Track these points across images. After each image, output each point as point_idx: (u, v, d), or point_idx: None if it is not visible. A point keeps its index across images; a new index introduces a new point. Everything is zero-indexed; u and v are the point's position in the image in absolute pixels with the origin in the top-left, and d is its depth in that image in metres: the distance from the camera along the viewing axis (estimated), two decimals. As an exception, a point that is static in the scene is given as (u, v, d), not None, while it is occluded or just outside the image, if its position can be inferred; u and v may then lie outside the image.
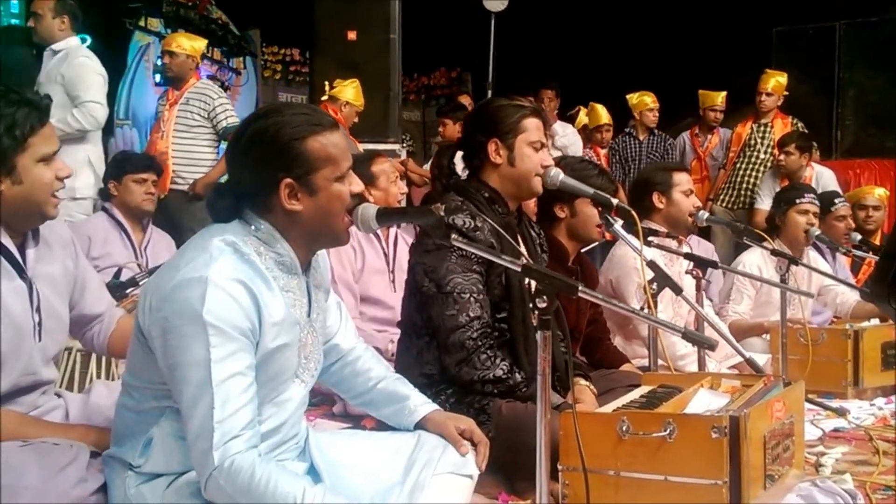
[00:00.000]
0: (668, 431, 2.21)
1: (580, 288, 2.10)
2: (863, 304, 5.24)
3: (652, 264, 3.07)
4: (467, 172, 3.15)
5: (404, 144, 9.40)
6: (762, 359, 4.51)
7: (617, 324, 4.19)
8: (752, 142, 7.67)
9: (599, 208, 3.16)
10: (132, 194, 4.77)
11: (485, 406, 2.86)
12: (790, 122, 7.72)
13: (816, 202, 5.15)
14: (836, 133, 8.82)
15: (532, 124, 3.07)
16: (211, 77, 9.21)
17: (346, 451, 2.41)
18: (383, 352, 3.91)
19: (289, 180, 2.15)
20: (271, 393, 2.21)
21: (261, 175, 2.18)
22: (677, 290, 3.05)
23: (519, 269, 2.18)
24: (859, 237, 5.92)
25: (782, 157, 7.07)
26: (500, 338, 2.96)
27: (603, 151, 8.26)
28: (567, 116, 8.71)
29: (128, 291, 3.56)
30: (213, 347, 2.01)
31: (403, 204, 4.32)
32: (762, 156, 7.59)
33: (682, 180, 4.35)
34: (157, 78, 9.49)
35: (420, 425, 2.45)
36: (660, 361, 3.53)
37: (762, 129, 7.67)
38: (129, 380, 2.29)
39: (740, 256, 5.28)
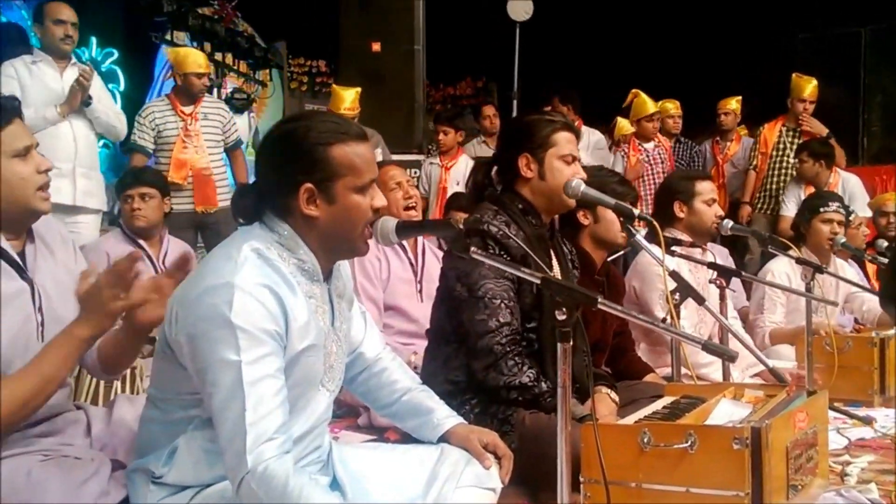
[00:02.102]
0: (689, 443, 2.21)
1: (600, 300, 2.12)
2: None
3: (675, 274, 3.07)
4: (501, 187, 3.19)
5: (430, 155, 9.44)
6: (789, 367, 4.51)
7: (642, 332, 4.19)
8: (782, 146, 7.64)
9: (621, 218, 3.16)
10: (122, 214, 4.79)
11: (509, 417, 2.88)
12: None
13: (842, 211, 5.13)
14: (863, 139, 8.80)
15: (563, 138, 3.10)
16: (237, 90, 9.26)
17: (369, 464, 2.43)
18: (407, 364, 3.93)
19: (308, 185, 2.16)
20: (297, 401, 2.22)
21: (282, 177, 2.21)
22: (700, 300, 3.05)
23: (538, 282, 2.20)
24: (885, 244, 5.90)
25: (798, 164, 7.06)
26: (528, 347, 2.98)
27: (650, 145, 7.95)
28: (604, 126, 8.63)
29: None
30: (244, 350, 2.02)
31: (414, 211, 4.25)
32: (792, 160, 7.57)
33: (704, 189, 4.34)
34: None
35: (444, 438, 2.45)
36: (684, 370, 3.54)
37: (791, 133, 7.64)
38: (156, 393, 2.31)
39: (768, 264, 5.27)
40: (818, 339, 4.34)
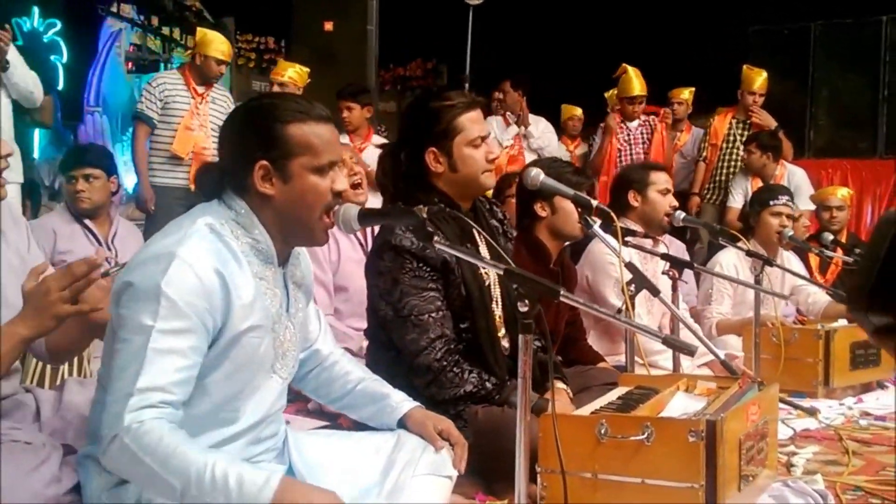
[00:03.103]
0: (646, 435, 2.23)
1: (562, 292, 2.12)
2: (833, 304, 5.30)
3: (630, 266, 3.09)
4: (413, 182, 3.01)
5: (381, 136, 9.37)
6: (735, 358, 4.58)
7: (593, 320, 4.21)
8: (732, 138, 7.71)
9: (579, 209, 3.16)
10: (66, 193, 4.70)
11: (461, 412, 2.84)
12: None
13: (791, 204, 5.20)
14: (810, 132, 8.92)
15: (468, 120, 2.92)
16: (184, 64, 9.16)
17: (325, 452, 2.41)
18: (357, 351, 3.89)
19: (264, 162, 2.15)
20: (247, 386, 2.20)
21: (239, 153, 2.21)
22: (654, 292, 3.07)
23: (502, 273, 2.19)
24: (831, 237, 5.99)
25: (746, 155, 7.15)
26: (467, 347, 2.92)
27: (634, 124, 7.72)
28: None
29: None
30: (161, 318, 2.00)
31: (360, 189, 4.18)
32: (741, 152, 7.65)
33: (659, 179, 4.38)
34: (130, 66, 9.44)
35: (402, 422, 2.45)
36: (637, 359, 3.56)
37: (740, 125, 7.72)
38: (104, 373, 2.26)
39: (717, 256, 5.33)
40: (765, 331, 4.42)
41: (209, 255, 2.08)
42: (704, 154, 7.86)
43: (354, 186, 4.16)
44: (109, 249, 4.76)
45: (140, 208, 6.17)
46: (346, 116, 6.61)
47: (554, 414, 2.25)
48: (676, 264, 3.63)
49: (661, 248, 4.05)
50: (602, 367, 3.65)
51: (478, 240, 3.04)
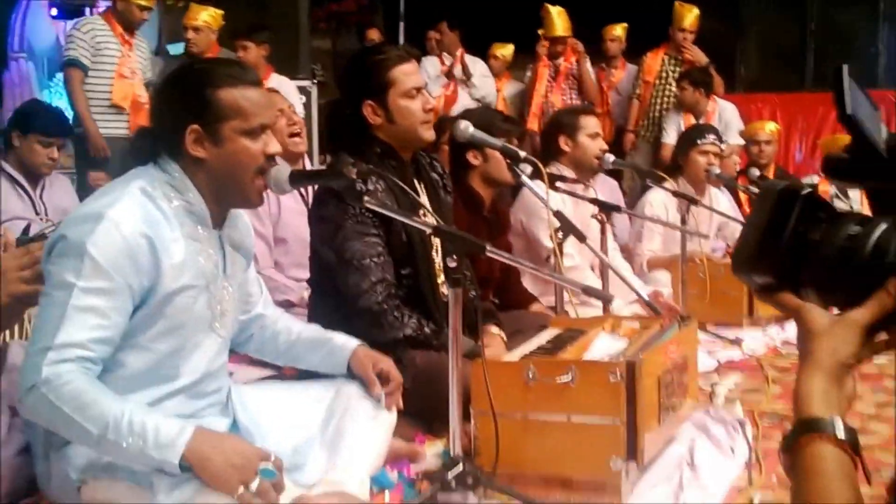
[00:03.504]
0: (570, 377, 2.38)
1: (488, 248, 2.26)
2: None
3: (558, 214, 3.22)
4: (356, 132, 3.11)
5: (316, 76, 9.32)
6: (664, 292, 4.77)
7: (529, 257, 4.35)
8: (664, 74, 7.82)
9: (507, 160, 3.27)
10: (35, 155, 4.61)
11: (400, 358, 2.95)
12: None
13: (718, 143, 5.34)
14: (740, 67, 9.07)
15: (401, 73, 3.01)
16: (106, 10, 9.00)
17: (268, 404, 2.51)
18: (297, 302, 3.99)
19: (195, 126, 2.22)
20: (186, 344, 2.29)
21: (171, 117, 2.28)
22: (582, 238, 3.21)
23: (430, 231, 2.32)
24: (758, 173, 6.19)
25: (679, 92, 7.29)
26: (407, 293, 3.02)
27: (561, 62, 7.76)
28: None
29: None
30: (83, 277, 2.07)
31: (299, 138, 4.23)
32: (674, 89, 7.78)
33: (588, 123, 4.49)
34: (54, 11, 9.23)
35: (349, 362, 2.56)
36: (567, 297, 3.69)
37: (673, 61, 7.84)
38: None
39: (646, 195, 5.47)
40: (692, 267, 4.59)
41: (138, 217, 2.15)
42: (638, 91, 7.97)
43: (293, 136, 4.22)
44: (39, 204, 4.76)
45: (91, 160, 6.06)
46: (241, 55, 6.46)
47: (484, 361, 2.41)
48: (605, 208, 3.76)
49: (591, 192, 4.18)
50: (535, 311, 3.79)
51: (418, 188, 3.14)
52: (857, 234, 1.13)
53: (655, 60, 7.90)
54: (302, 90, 7.61)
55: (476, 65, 7.79)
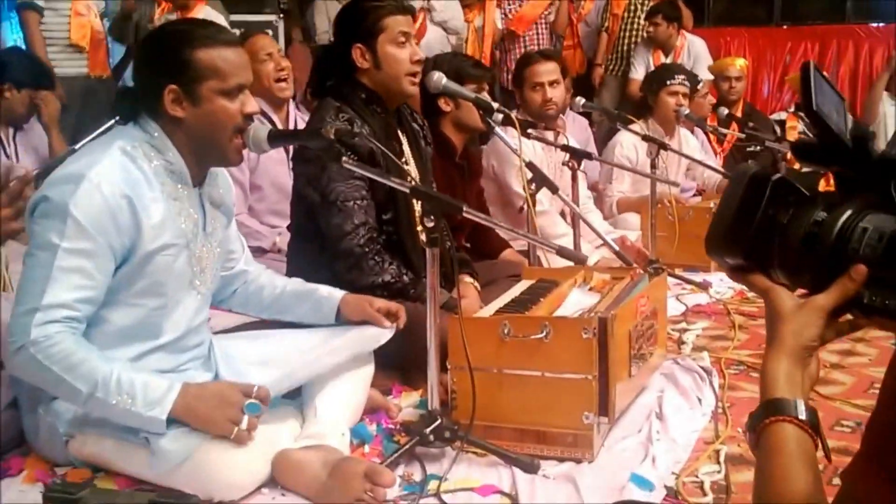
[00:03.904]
0: (544, 333, 2.43)
1: (465, 209, 2.29)
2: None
3: (531, 165, 3.25)
4: (342, 77, 3.14)
5: (282, 6, 9.15)
6: (633, 235, 4.83)
7: (500, 208, 4.39)
8: (633, 7, 7.79)
9: (480, 111, 3.28)
10: (22, 106, 4.64)
11: None
12: None
13: (687, 83, 5.37)
14: (709, 1, 9.03)
15: (392, 22, 3.06)
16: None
17: (250, 356, 2.56)
18: (269, 248, 4.02)
19: (173, 86, 2.26)
20: (168, 301, 2.34)
21: (150, 78, 2.31)
22: (554, 189, 3.25)
23: (407, 191, 2.35)
24: (726, 112, 6.23)
25: (651, 27, 7.27)
26: (387, 239, 3.05)
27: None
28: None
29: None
30: (67, 238, 2.13)
31: (285, 83, 4.23)
32: (642, 22, 7.75)
33: (530, 74, 4.42)
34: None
35: (339, 309, 2.63)
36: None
37: None
38: None
39: (616, 136, 5.51)
40: (661, 210, 4.66)
41: (119, 177, 2.19)
42: (606, 24, 7.94)
43: (280, 80, 4.21)
44: (9, 146, 4.75)
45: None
46: None
47: (461, 316, 2.45)
48: (576, 155, 3.79)
49: (562, 139, 4.19)
50: (508, 259, 3.84)
51: (401, 138, 3.19)
52: (823, 220, 1.18)
53: None
54: (267, 24, 7.53)
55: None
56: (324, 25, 7.74)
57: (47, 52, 5.83)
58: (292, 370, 2.46)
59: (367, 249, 2.97)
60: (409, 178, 2.38)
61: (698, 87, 5.39)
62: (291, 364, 2.49)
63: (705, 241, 1.28)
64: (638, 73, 7.43)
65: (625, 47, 7.82)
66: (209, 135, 2.31)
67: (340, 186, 2.94)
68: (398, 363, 2.96)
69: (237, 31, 7.05)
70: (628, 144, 5.30)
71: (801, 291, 1.25)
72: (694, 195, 6.19)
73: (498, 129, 3.24)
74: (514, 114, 3.34)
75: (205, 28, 2.36)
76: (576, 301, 2.78)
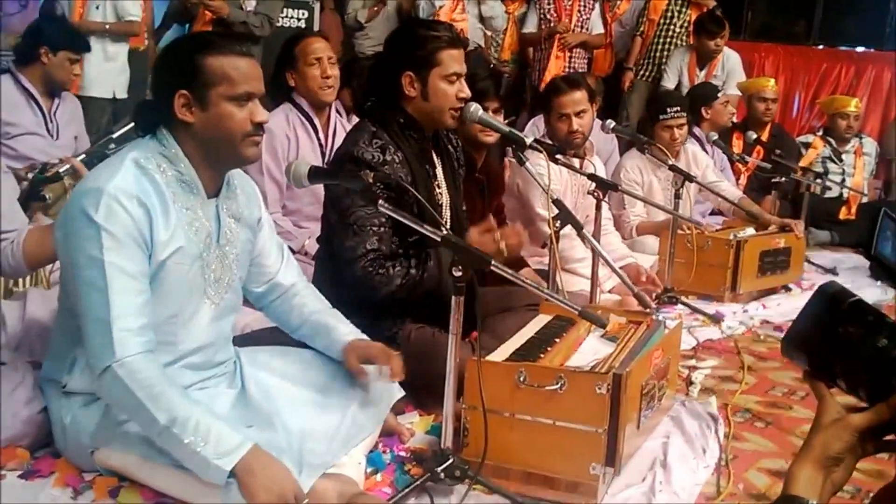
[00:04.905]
0: (559, 385, 2.52)
1: (493, 263, 2.37)
2: (745, 198, 5.59)
3: (557, 202, 3.31)
4: (384, 98, 3.17)
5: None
6: (650, 260, 4.90)
7: (521, 219, 4.44)
8: (670, 14, 7.80)
9: (513, 146, 3.33)
10: (63, 70, 4.72)
11: (395, 335, 3.07)
12: None
13: (682, 115, 5.28)
14: (747, 14, 9.01)
15: (447, 56, 3.08)
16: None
17: (276, 378, 2.63)
18: (297, 250, 4.08)
19: (183, 91, 2.33)
20: (182, 311, 2.42)
21: (163, 85, 2.39)
22: (579, 228, 3.31)
23: (438, 240, 2.43)
24: (754, 136, 6.26)
25: (704, 38, 7.25)
26: (415, 257, 3.07)
27: None
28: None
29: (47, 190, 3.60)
30: (107, 249, 2.22)
31: (330, 90, 4.27)
32: (678, 29, 7.77)
33: (557, 104, 4.39)
34: None
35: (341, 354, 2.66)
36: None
37: (679, 1, 7.81)
38: (62, 295, 2.51)
39: (621, 160, 5.55)
40: (680, 237, 4.72)
41: (134, 188, 2.28)
42: (642, 29, 7.95)
43: (324, 87, 4.21)
44: (51, 122, 4.83)
45: None
46: None
47: (479, 360, 2.54)
48: (602, 185, 3.85)
49: (589, 167, 4.24)
50: (526, 281, 3.87)
51: (435, 161, 3.25)
52: (884, 347, 1.30)
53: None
54: (304, 5, 7.58)
55: None
56: (357, 3, 7.81)
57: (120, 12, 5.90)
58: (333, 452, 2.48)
59: (370, 269, 3.00)
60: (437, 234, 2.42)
61: (660, 118, 5.26)
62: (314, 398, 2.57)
63: (782, 341, 1.45)
64: (670, 82, 7.47)
65: (657, 53, 7.84)
66: (217, 140, 2.37)
67: (360, 211, 2.99)
68: (413, 387, 3.04)
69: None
70: (632, 167, 5.35)
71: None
72: (711, 213, 6.25)
73: (528, 165, 3.30)
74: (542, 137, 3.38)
75: (219, 37, 2.45)
76: (591, 349, 2.86)
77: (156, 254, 2.31)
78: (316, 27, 7.70)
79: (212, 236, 2.44)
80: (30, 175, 3.67)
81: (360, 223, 2.99)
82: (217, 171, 2.46)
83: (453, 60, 3.11)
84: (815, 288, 1.40)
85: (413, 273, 3.03)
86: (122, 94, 6.06)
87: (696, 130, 6.18)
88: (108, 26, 5.90)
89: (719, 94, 6.33)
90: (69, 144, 4.86)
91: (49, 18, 5.40)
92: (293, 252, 4.01)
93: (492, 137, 3.93)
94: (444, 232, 2.45)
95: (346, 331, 2.71)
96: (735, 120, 6.88)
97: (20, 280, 3.20)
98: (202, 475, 2.17)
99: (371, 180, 2.47)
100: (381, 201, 2.48)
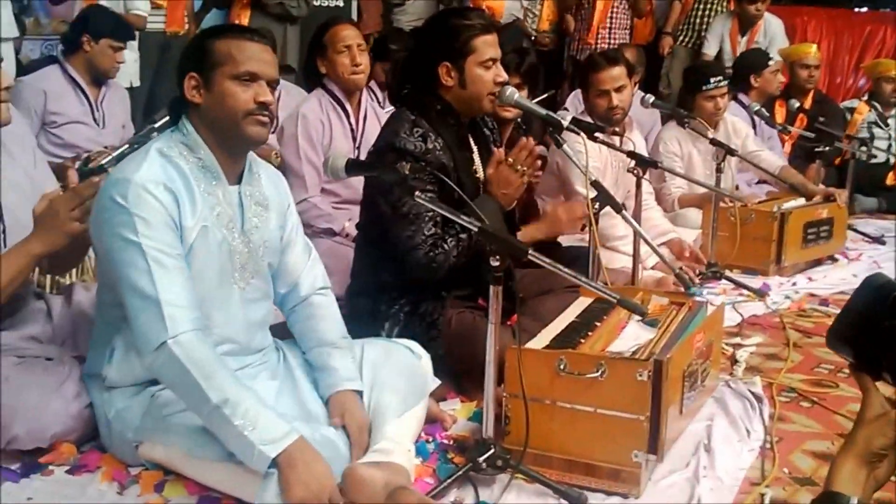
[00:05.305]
0: (600, 372, 2.50)
1: (530, 252, 2.36)
2: (787, 168, 5.51)
3: (596, 184, 3.28)
4: (420, 87, 3.19)
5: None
6: (693, 234, 4.85)
7: (558, 196, 4.43)
8: None
9: (550, 128, 3.30)
10: (106, 59, 4.76)
11: (436, 321, 3.08)
12: None
13: (723, 84, 5.21)
14: (788, -25, 8.85)
15: (482, 43, 3.11)
16: None
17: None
18: (339, 231, 4.10)
19: (193, 74, 2.43)
20: (214, 294, 2.46)
21: (179, 71, 2.48)
22: (618, 209, 3.28)
23: (475, 230, 2.42)
24: (797, 105, 6.16)
25: (744, 3, 7.15)
26: (463, 231, 3.03)
27: None
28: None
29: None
30: (142, 234, 2.28)
31: (361, 75, 4.28)
32: None
33: (595, 81, 4.37)
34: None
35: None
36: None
37: None
38: (100, 286, 2.58)
39: (660, 132, 5.48)
40: (723, 210, 4.67)
41: (160, 175, 2.35)
42: None
43: (354, 75, 4.23)
44: (97, 110, 4.89)
45: None
46: None
47: (519, 349, 2.53)
48: (641, 163, 3.81)
49: (629, 144, 4.20)
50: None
51: (472, 146, 3.26)
52: None
53: None
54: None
55: None
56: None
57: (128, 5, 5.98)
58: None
59: (431, 254, 3.01)
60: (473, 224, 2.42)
61: (703, 88, 5.17)
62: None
63: (827, 333, 1.43)
64: (711, 49, 7.39)
65: (697, 19, 7.73)
66: (222, 119, 2.42)
67: (412, 199, 3.00)
68: (454, 373, 3.06)
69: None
70: (671, 139, 5.28)
71: None
72: (757, 182, 6.16)
73: (566, 147, 3.26)
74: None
75: (236, 26, 2.53)
76: (632, 334, 2.84)
77: (185, 238, 2.36)
78: (354, 5, 7.69)
79: (235, 221, 2.49)
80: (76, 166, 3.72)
81: (415, 211, 3.00)
82: (232, 154, 2.50)
83: (488, 46, 3.12)
84: (861, 281, 1.38)
85: (464, 238, 3.04)
86: (136, 81, 6.14)
87: (743, 98, 6.07)
88: None
89: (770, 63, 6.16)
90: (116, 133, 4.92)
91: (93, 7, 5.43)
92: (334, 234, 4.08)
93: (511, 113, 3.94)
94: (481, 225, 2.43)
95: (336, 378, 2.60)
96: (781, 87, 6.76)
97: (67, 273, 3.24)
98: (246, 460, 2.19)
99: (407, 171, 2.46)
100: (417, 192, 2.48)
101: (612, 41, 7.34)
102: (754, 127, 5.90)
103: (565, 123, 3.21)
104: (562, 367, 2.55)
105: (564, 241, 4.39)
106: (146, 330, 2.26)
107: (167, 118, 2.62)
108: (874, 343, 1.35)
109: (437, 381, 2.82)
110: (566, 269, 2.39)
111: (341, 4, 7.55)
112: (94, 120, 4.87)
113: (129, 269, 2.28)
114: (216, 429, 2.23)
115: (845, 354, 1.40)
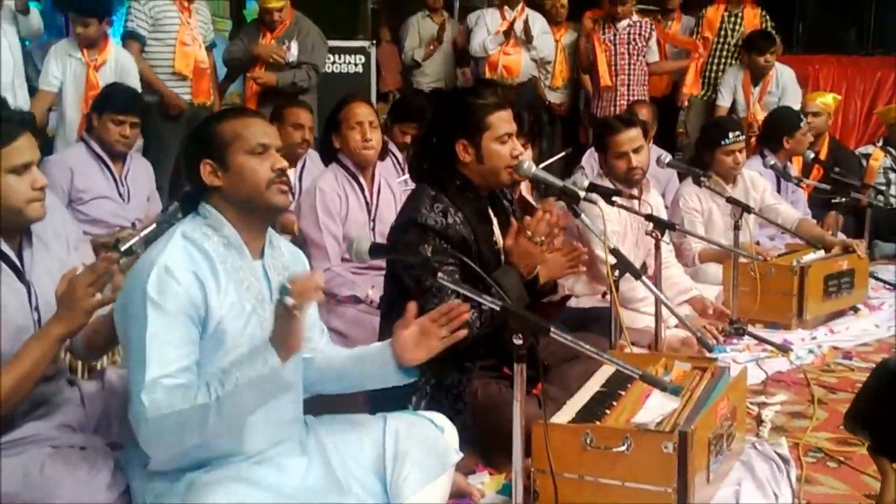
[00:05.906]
0: (626, 446, 2.54)
1: (552, 330, 2.40)
2: (806, 221, 5.53)
3: (615, 252, 3.33)
4: (439, 164, 3.25)
5: (372, 6, 9.31)
6: (715, 290, 4.87)
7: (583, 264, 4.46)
8: (723, 32, 7.78)
9: (566, 199, 3.35)
10: (109, 133, 4.80)
11: (462, 393, 3.12)
12: (759, 12, 7.80)
13: (742, 139, 5.25)
14: (798, 25, 8.93)
15: (497, 119, 3.18)
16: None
17: (337, 442, 2.67)
18: (363, 298, 4.16)
19: (207, 160, 2.49)
20: (245, 366, 2.39)
21: (189, 161, 2.54)
22: (637, 276, 3.33)
23: (498, 309, 2.47)
24: (812, 155, 6.20)
25: (754, 55, 7.20)
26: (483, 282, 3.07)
27: (623, 24, 7.51)
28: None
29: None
30: (151, 321, 2.32)
31: (372, 151, 4.38)
32: (731, 47, 7.74)
33: (615, 142, 4.43)
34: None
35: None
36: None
37: (733, 18, 7.78)
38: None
39: (679, 188, 5.51)
40: (743, 265, 4.70)
41: (185, 259, 2.41)
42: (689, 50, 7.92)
43: (365, 150, 4.32)
44: (122, 185, 4.96)
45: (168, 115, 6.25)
46: (80, 32, 5.81)
47: (546, 425, 2.57)
48: (660, 225, 3.86)
49: (646, 207, 4.25)
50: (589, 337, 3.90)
51: (492, 218, 3.32)
52: None
53: (716, 15, 7.85)
54: (360, 50, 7.72)
55: (536, 21, 7.64)
56: (414, 42, 7.95)
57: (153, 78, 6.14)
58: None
59: None
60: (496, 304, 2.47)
61: (722, 143, 5.18)
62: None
63: (844, 415, 1.44)
64: (725, 101, 7.44)
65: (712, 72, 7.81)
66: (244, 193, 2.49)
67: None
68: (481, 444, 3.09)
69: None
70: (690, 195, 5.29)
71: None
72: (782, 233, 6.16)
73: (584, 217, 3.32)
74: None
75: (234, 108, 2.60)
76: (657, 404, 2.86)
77: (212, 317, 2.41)
78: (374, 67, 7.83)
79: (263, 293, 2.53)
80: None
81: (438, 285, 3.01)
82: (256, 228, 2.56)
83: (503, 122, 3.20)
84: (875, 365, 1.41)
85: (485, 309, 3.05)
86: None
87: (770, 158, 5.97)
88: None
89: (802, 124, 6.09)
90: (141, 206, 4.99)
91: (110, 84, 5.51)
92: (359, 301, 4.14)
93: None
94: (503, 304, 2.48)
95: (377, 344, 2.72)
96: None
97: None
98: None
99: (429, 253, 2.52)
100: (440, 273, 2.54)
101: (631, 96, 7.41)
102: (778, 181, 5.92)
103: (582, 194, 3.27)
104: (588, 441, 2.59)
105: (586, 302, 4.46)
106: (133, 413, 2.32)
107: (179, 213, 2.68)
108: (891, 426, 1.38)
109: (461, 455, 2.82)
110: (588, 347, 2.43)
111: (360, 71, 7.68)
112: (119, 195, 4.93)
113: (132, 353, 2.36)
114: (235, 406, 2.28)
115: (863, 437, 1.44)
